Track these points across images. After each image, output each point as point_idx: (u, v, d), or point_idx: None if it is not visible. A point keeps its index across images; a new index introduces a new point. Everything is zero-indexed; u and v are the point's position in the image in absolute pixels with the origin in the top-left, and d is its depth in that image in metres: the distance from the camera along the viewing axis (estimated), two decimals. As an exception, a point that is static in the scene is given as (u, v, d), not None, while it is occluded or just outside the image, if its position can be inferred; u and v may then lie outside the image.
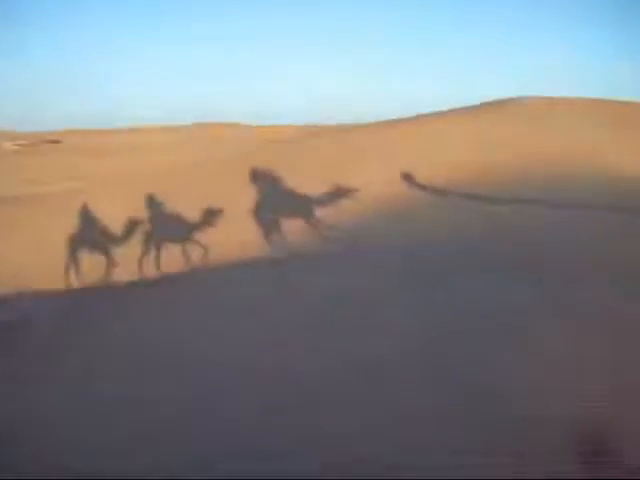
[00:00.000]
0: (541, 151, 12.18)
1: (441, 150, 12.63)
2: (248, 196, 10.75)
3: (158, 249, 10.16)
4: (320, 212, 10.51)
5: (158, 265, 10.04)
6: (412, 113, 16.61)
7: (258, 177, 11.03)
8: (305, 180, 11.14)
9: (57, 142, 20.52)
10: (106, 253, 10.27)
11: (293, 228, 10.42)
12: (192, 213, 10.51)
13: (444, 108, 16.39)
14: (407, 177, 11.44)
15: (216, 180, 12.71)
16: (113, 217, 10.71)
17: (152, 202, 10.79)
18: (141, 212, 10.66)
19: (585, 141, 12.56)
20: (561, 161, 11.78)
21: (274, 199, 10.82)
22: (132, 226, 10.35)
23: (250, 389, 4.70)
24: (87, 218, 10.77)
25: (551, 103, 15.39)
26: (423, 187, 11.21)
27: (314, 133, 20.94)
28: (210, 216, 10.40)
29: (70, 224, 10.71)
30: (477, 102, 16.38)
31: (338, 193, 10.62)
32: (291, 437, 3.98)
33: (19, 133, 22.09)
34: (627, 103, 15.94)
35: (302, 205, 10.49)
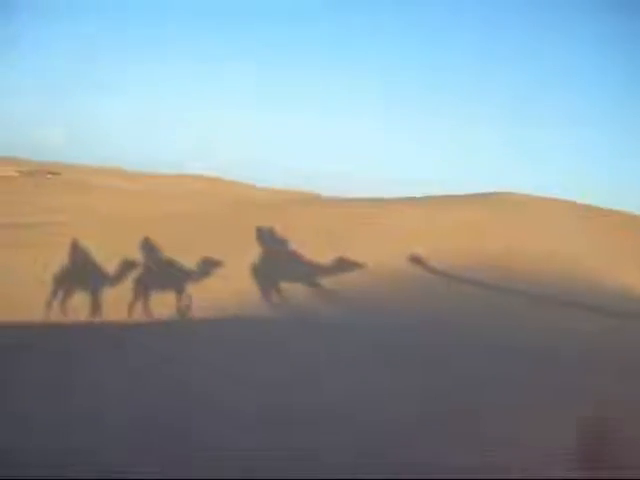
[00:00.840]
0: (526, 246, 12.74)
1: (438, 234, 13.08)
2: (245, 253, 10.98)
3: (147, 294, 10.14)
4: (323, 280, 10.68)
5: (147, 310, 10.00)
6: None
7: (264, 236, 11.34)
8: (306, 245, 11.43)
9: (57, 174, 20.77)
10: (95, 292, 10.19)
11: (293, 291, 10.53)
12: (189, 261, 10.59)
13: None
14: (416, 259, 11.64)
15: (210, 233, 13.04)
16: (100, 257, 10.77)
17: (147, 246, 10.90)
18: (129, 255, 10.72)
19: (566, 243, 13.15)
20: (543, 258, 12.31)
21: (276, 260, 11.06)
22: (127, 267, 10.43)
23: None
24: (78, 254, 10.79)
25: (535, 201, 16.12)
26: (431, 270, 11.44)
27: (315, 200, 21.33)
28: (209, 266, 10.46)
29: (52, 259, 10.71)
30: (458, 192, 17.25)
31: (344, 265, 10.79)
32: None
33: (22, 159, 22.29)
34: (608, 211, 16.75)
35: (306, 270, 10.70)
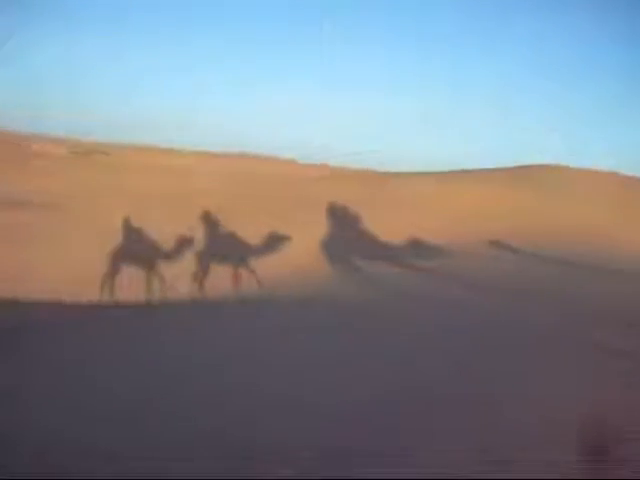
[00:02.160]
0: (553, 221, 12.56)
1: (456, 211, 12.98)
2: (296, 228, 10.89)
3: (207, 269, 9.98)
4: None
5: (196, 285, 9.89)
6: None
7: (336, 213, 11.22)
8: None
9: (107, 154, 21.20)
10: (152, 269, 10.21)
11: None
12: (254, 236, 10.33)
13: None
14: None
15: (255, 209, 12.94)
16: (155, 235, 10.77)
17: (208, 220, 10.72)
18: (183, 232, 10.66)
19: (597, 216, 12.96)
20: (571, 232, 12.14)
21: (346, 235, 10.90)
22: (183, 244, 10.34)
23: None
24: (132, 233, 10.81)
25: (567, 173, 15.86)
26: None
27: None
28: (275, 241, 10.31)
29: (103, 237, 10.74)
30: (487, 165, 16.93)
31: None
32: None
33: (72, 139, 22.72)
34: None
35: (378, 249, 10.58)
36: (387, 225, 11.67)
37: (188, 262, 10.32)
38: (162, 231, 10.80)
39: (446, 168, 16.75)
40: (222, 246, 10.46)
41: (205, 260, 10.18)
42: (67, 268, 10.44)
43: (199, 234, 10.61)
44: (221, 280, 9.99)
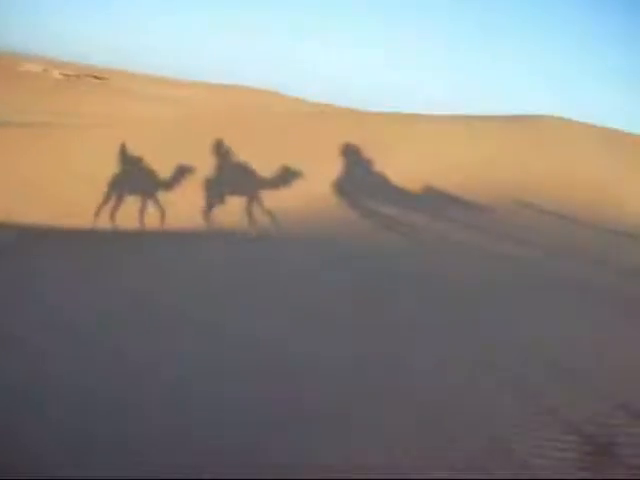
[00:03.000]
0: (551, 173, 11.82)
1: (451, 154, 12.17)
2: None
3: (221, 201, 9.54)
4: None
5: (208, 216, 9.47)
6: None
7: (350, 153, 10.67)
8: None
9: (103, 79, 20.13)
10: (150, 198, 9.75)
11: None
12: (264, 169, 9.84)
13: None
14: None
15: (264, 143, 12.49)
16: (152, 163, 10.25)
17: (221, 149, 10.21)
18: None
19: (599, 172, 12.22)
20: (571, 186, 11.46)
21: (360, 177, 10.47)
22: (181, 172, 9.87)
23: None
24: (129, 160, 10.29)
25: (570, 126, 15.12)
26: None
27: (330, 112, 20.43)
28: (288, 175, 9.81)
29: (100, 162, 10.33)
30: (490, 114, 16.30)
31: None
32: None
33: (66, 62, 21.60)
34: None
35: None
36: (403, 169, 11.08)
37: (190, 193, 9.76)
38: (161, 160, 10.24)
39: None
40: (233, 177, 9.97)
41: (214, 191, 9.67)
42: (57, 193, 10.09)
43: (209, 164, 10.07)
44: (230, 212, 9.48)
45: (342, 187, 10.34)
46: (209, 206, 9.61)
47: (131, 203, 9.80)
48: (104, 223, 9.50)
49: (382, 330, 4.95)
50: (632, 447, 3.43)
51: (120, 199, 9.79)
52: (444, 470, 3.15)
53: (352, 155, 10.95)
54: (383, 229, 9.22)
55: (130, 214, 9.71)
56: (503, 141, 13.14)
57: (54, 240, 8.47)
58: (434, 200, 10.42)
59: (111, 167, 10.27)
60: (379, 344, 4.64)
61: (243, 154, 10.36)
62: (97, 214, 9.52)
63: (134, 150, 10.46)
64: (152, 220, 9.68)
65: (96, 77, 20.77)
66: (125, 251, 7.89)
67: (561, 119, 15.44)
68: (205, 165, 10.21)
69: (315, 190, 10.10)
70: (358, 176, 10.76)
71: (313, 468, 3.07)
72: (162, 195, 9.85)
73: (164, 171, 10.10)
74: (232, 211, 9.49)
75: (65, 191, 10.33)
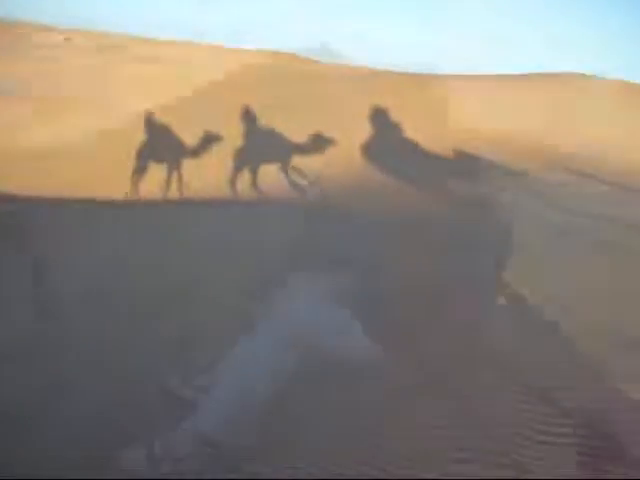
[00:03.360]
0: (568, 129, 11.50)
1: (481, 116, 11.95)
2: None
3: (253, 170, 9.28)
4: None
5: (255, 185, 9.22)
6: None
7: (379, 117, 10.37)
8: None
9: (123, 47, 20.03)
10: (177, 166, 9.58)
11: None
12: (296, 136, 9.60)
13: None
14: None
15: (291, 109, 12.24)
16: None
17: (247, 116, 9.97)
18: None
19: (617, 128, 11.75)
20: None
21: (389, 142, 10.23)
22: (208, 140, 9.68)
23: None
24: (155, 129, 10.12)
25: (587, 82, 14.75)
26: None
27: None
28: (322, 142, 9.59)
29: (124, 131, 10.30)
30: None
31: None
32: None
33: (84, 31, 21.54)
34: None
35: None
36: (432, 133, 10.76)
37: (218, 161, 9.53)
38: (187, 129, 10.00)
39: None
40: (264, 144, 9.73)
41: (243, 158, 9.40)
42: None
43: (237, 131, 9.84)
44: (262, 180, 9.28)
45: (373, 151, 10.09)
46: (235, 175, 9.39)
47: (156, 171, 9.62)
48: (128, 192, 9.35)
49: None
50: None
51: (145, 168, 9.64)
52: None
53: (383, 118, 10.67)
54: (418, 195, 9.00)
55: (155, 183, 9.55)
56: (536, 101, 12.78)
57: (73, 209, 8.35)
58: (467, 164, 10.24)
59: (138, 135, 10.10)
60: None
61: (273, 121, 10.10)
62: (132, 184, 9.39)
63: (160, 118, 10.22)
64: (176, 190, 9.55)
65: (118, 45, 20.68)
66: (147, 221, 7.89)
67: (583, 76, 15.02)
68: (232, 132, 10.01)
69: (348, 155, 9.84)
70: (389, 140, 10.50)
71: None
72: (188, 163, 9.66)
73: (190, 139, 9.91)
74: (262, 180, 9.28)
75: (86, 160, 10.15)
